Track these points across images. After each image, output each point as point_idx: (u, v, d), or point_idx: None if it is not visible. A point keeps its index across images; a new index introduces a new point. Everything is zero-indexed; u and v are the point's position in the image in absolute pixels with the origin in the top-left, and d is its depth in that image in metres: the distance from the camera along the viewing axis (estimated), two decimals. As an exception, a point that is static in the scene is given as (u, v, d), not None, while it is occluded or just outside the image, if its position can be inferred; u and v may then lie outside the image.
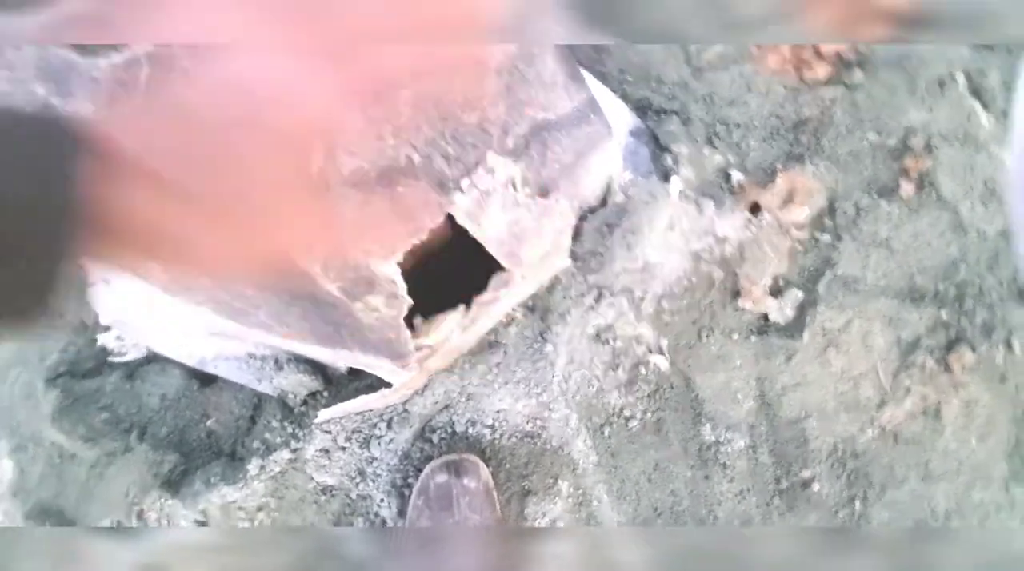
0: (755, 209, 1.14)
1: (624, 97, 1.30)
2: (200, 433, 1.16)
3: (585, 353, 1.06)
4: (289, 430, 1.09)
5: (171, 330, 0.98)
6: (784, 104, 1.28)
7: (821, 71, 1.28)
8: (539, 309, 1.05)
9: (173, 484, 1.11)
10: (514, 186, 0.73)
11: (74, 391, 1.24)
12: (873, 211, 1.14)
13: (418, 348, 0.81)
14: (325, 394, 1.02)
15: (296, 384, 0.99)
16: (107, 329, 1.43)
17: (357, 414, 1.07)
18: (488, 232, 0.75)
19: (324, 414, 0.95)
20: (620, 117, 1.17)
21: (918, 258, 1.13)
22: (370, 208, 0.65)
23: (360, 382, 0.97)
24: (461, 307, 0.84)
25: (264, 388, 0.99)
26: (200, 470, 1.10)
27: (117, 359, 1.39)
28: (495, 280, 0.83)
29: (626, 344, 1.07)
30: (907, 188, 1.14)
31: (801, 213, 1.13)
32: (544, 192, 0.78)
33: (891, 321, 1.11)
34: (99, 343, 1.39)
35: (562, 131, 0.80)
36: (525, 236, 0.79)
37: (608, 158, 0.96)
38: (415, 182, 0.66)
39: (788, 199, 1.15)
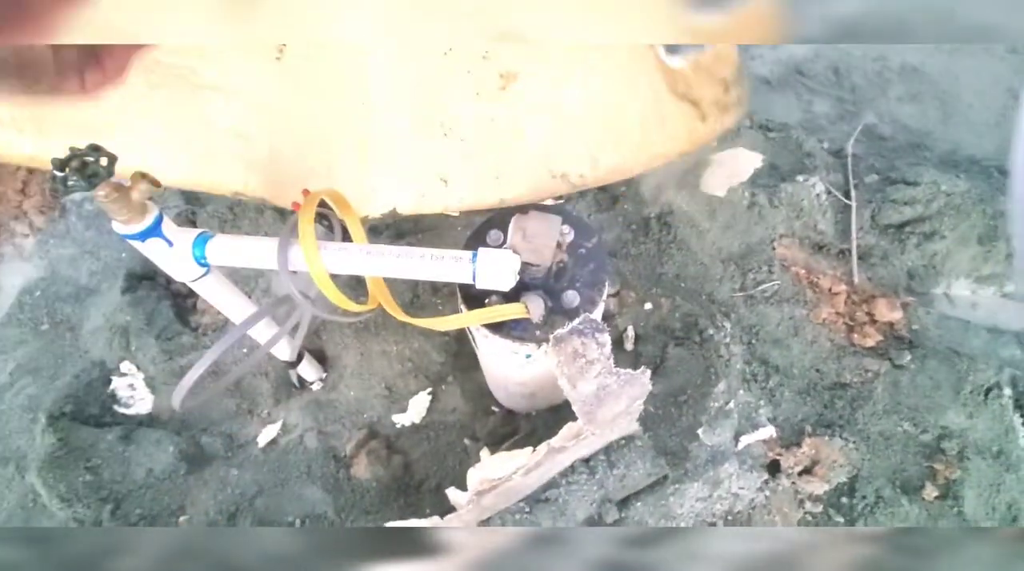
0: (774, 469, 1.13)
1: (675, 307, 1.33)
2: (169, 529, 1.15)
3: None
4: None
5: None
6: (827, 360, 1.29)
7: (871, 338, 1.29)
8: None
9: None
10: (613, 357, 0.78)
11: (71, 440, 1.24)
12: (892, 505, 1.12)
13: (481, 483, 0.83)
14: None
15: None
16: (123, 374, 1.45)
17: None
18: (580, 393, 0.79)
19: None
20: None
21: (927, 569, 1.09)
22: None
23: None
24: (529, 448, 0.85)
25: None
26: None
27: (123, 409, 1.40)
28: (566, 430, 0.84)
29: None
30: (931, 491, 1.12)
31: (820, 487, 1.12)
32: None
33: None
34: (111, 387, 1.42)
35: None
36: (607, 400, 0.83)
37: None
38: None
39: (810, 468, 1.13)
